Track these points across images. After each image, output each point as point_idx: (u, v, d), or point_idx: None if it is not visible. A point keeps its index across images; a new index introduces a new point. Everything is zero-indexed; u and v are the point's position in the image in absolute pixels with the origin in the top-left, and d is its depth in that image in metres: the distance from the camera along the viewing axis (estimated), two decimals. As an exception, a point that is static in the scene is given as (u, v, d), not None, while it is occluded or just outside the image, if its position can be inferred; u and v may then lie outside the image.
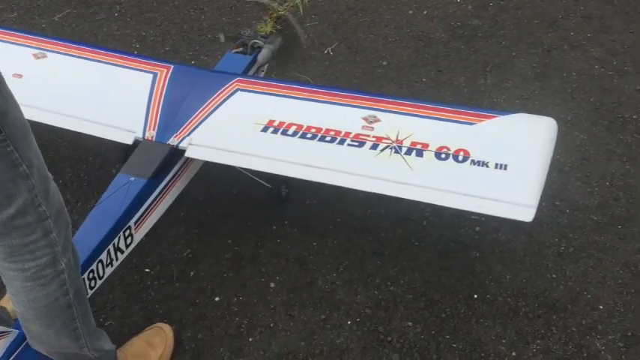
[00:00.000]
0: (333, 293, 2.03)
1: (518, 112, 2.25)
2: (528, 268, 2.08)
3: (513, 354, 1.88)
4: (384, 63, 3.01)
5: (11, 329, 1.53)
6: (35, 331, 1.47)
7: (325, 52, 3.09)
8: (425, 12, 3.35)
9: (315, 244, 2.18)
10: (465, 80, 2.89)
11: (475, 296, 2.01)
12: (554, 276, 2.06)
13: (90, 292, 1.77)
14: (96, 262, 1.77)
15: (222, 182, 2.36)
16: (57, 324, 1.43)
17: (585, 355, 1.87)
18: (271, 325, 1.95)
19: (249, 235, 2.22)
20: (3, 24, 3.20)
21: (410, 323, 1.96)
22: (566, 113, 2.67)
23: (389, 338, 1.92)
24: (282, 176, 1.95)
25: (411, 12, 3.36)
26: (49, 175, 1.35)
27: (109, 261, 1.83)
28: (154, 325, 1.93)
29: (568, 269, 2.08)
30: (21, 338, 1.56)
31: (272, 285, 2.06)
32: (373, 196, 2.24)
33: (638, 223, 2.23)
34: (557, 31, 3.17)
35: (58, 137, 2.58)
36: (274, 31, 3.19)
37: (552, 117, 1.97)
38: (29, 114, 2.08)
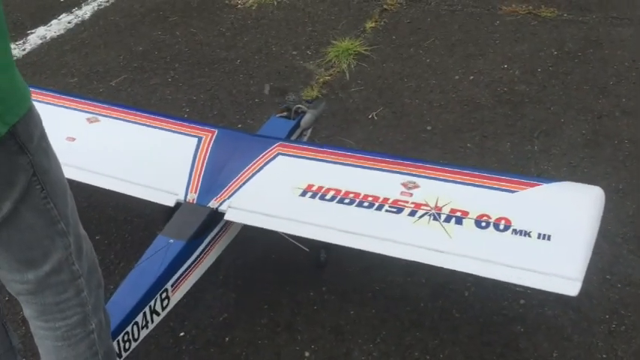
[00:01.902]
0: (370, 365, 1.97)
1: (565, 179, 2.19)
2: (577, 347, 1.96)
3: None
4: (429, 128, 3.00)
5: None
6: (64, 394, 1.46)
7: (370, 116, 3.11)
8: (471, 77, 3.35)
9: (352, 312, 2.13)
10: (510, 146, 2.84)
11: (519, 375, 1.90)
12: (604, 356, 1.93)
13: (124, 355, 1.76)
14: (131, 324, 1.77)
15: (261, 245, 2.36)
16: (85, 385, 1.43)
17: None
18: (304, 396, 1.90)
19: (286, 300, 2.19)
20: (64, 89, 3.38)
21: (449, 401, 1.86)
22: (618, 182, 2.58)
23: (427, 416, 1.83)
24: (321, 241, 1.94)
25: (457, 77, 3.37)
26: (84, 233, 1.38)
27: (144, 323, 1.83)
28: (187, 391, 1.91)
29: (620, 349, 1.95)
30: (52, 400, 1.56)
31: (307, 354, 2.01)
32: (413, 264, 2.19)
33: (698, 301, 2.09)
34: (609, 97, 3.10)
35: (105, 198, 2.65)
36: (320, 96, 3.27)
37: (603, 186, 1.90)
38: (79, 176, 2.18)
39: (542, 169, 2.69)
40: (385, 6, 4.11)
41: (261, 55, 3.68)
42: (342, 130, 3.02)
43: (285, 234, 2.10)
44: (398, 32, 3.83)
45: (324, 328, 2.09)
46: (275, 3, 4.24)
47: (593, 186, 1.90)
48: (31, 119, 1.19)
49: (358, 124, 3.06)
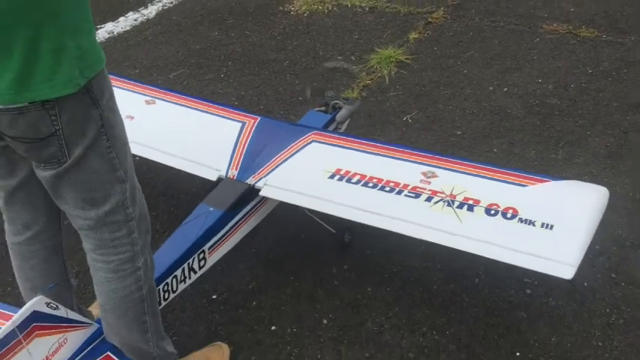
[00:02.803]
0: (381, 335, 2.15)
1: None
2: (575, 334, 2.10)
3: (552, 415, 1.89)
4: (459, 132, 3.17)
5: (93, 322, 1.79)
6: (110, 322, 1.70)
7: (404, 119, 3.30)
8: (505, 89, 3.51)
9: (369, 289, 2.32)
10: (536, 154, 2.98)
11: (517, 354, 2.04)
12: (600, 344, 2.06)
13: (163, 303, 2.00)
14: (171, 277, 2.01)
15: (292, 226, 2.57)
16: (129, 315, 1.66)
17: None
18: (318, 356, 2.09)
19: (310, 275, 2.39)
20: (126, 78, 3.70)
21: (451, 372, 2.03)
22: (635, 192, 2.68)
23: (429, 384, 2.00)
24: (346, 223, 2.14)
25: (491, 88, 3.53)
26: (138, 185, 1.62)
27: (182, 278, 2.06)
28: (215, 343, 2.13)
29: (616, 339, 2.07)
30: (100, 331, 1.80)
31: (325, 322, 2.21)
32: (430, 251, 2.38)
33: (700, 305, 2.19)
34: (637, 114, 3.21)
35: (156, 175, 2.93)
36: (359, 97, 3.48)
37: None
38: (135, 150, 2.45)
39: (564, 176, 2.82)
40: (430, 19, 4.31)
41: (308, 58, 3.93)
42: (376, 129, 3.22)
43: (314, 215, 2.32)
44: (440, 44, 4.02)
45: (343, 300, 2.28)
46: (326, 11, 4.49)
47: (599, 185, 2.05)
48: (104, 79, 1.44)
49: (392, 126, 3.25)
